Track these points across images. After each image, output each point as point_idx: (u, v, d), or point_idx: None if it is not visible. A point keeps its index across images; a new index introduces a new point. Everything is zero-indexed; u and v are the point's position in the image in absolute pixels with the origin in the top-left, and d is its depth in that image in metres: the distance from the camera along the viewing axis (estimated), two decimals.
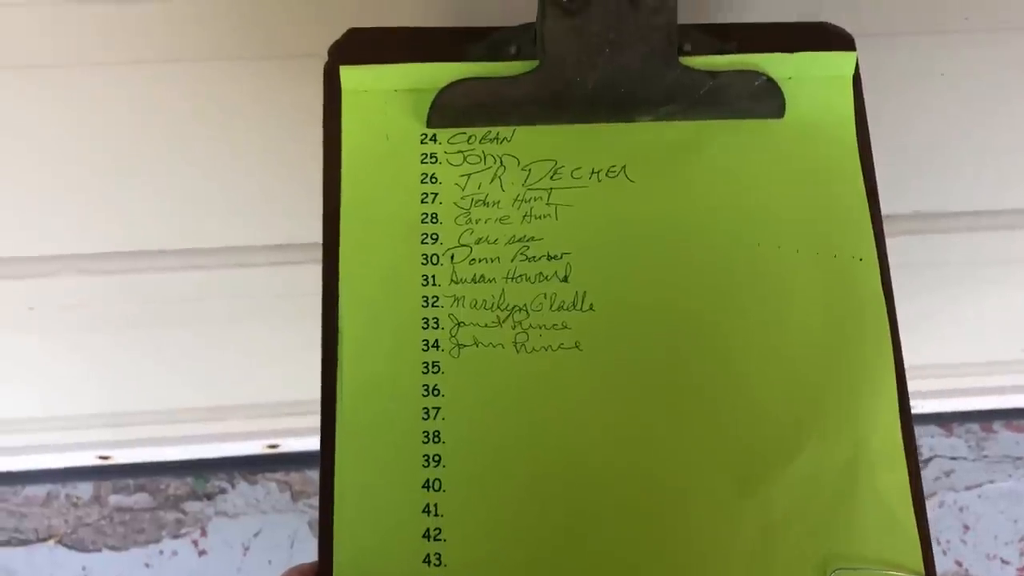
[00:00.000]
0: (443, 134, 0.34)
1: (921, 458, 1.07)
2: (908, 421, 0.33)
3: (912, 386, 1.01)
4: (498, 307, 0.33)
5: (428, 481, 0.32)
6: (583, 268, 0.34)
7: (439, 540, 0.31)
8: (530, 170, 0.34)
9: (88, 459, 0.85)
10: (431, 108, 0.34)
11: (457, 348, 0.33)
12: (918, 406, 0.95)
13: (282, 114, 0.48)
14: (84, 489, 0.88)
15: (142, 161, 0.50)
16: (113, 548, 0.87)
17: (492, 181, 0.34)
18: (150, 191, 0.53)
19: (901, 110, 0.49)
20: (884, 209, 0.57)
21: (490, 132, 0.34)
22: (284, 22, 0.43)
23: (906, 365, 0.96)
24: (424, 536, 0.32)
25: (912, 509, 0.32)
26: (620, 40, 0.33)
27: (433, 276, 0.33)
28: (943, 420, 1.08)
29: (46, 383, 0.72)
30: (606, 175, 0.34)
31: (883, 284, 0.34)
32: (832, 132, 0.35)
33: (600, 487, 0.32)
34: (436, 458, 0.32)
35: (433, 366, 0.33)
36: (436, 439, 0.32)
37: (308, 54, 0.38)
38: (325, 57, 0.35)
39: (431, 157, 0.34)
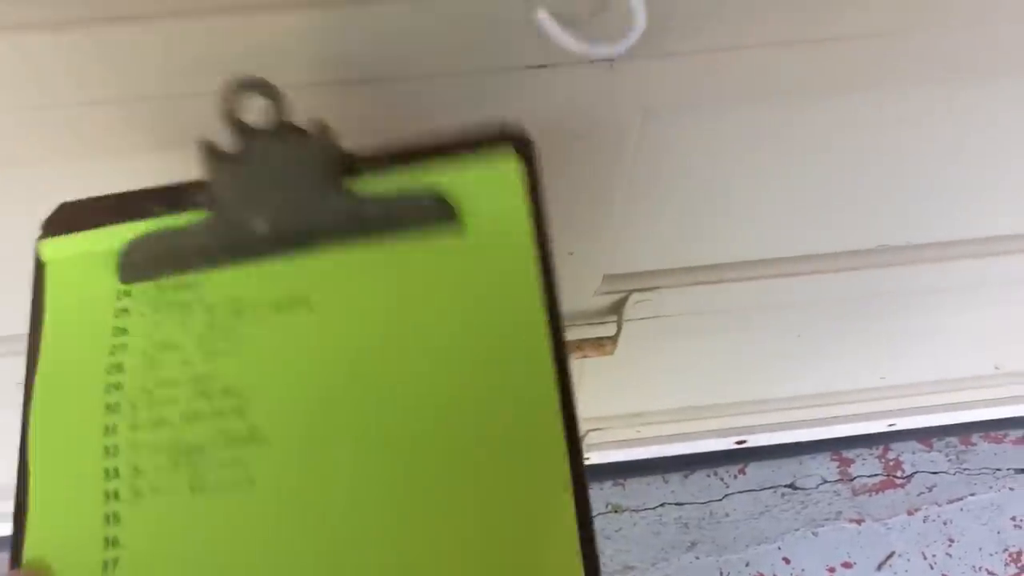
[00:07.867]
0: (137, 288, 0.35)
1: (903, 474, 1.08)
2: (590, 542, 0.31)
3: (891, 404, 1.02)
4: (175, 449, 0.33)
5: None
6: (259, 401, 0.33)
7: None
8: (214, 311, 0.35)
9: None
10: (119, 266, 0.35)
11: (135, 496, 0.32)
12: (898, 423, 0.97)
13: None
14: None
15: None
16: None
17: (178, 326, 0.35)
18: None
19: (869, 153, 0.50)
20: (854, 246, 0.58)
21: (180, 280, 0.35)
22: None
23: (885, 385, 0.96)
24: None
25: None
26: (284, 176, 0.33)
27: (115, 425, 0.33)
28: (922, 435, 1.10)
29: None
30: (287, 307, 0.35)
31: (562, 394, 0.32)
32: (509, 237, 0.34)
33: None
34: None
35: (114, 517, 0.32)
36: None
37: None
38: None
39: (124, 312, 0.35)
